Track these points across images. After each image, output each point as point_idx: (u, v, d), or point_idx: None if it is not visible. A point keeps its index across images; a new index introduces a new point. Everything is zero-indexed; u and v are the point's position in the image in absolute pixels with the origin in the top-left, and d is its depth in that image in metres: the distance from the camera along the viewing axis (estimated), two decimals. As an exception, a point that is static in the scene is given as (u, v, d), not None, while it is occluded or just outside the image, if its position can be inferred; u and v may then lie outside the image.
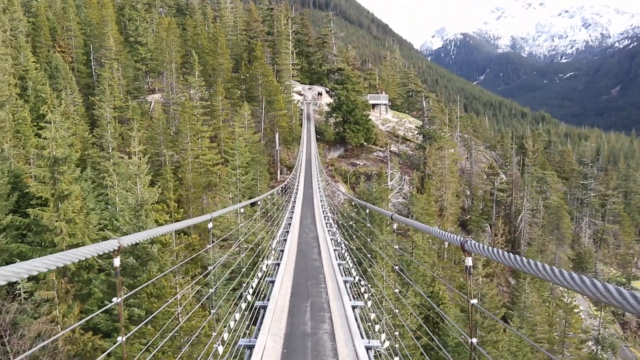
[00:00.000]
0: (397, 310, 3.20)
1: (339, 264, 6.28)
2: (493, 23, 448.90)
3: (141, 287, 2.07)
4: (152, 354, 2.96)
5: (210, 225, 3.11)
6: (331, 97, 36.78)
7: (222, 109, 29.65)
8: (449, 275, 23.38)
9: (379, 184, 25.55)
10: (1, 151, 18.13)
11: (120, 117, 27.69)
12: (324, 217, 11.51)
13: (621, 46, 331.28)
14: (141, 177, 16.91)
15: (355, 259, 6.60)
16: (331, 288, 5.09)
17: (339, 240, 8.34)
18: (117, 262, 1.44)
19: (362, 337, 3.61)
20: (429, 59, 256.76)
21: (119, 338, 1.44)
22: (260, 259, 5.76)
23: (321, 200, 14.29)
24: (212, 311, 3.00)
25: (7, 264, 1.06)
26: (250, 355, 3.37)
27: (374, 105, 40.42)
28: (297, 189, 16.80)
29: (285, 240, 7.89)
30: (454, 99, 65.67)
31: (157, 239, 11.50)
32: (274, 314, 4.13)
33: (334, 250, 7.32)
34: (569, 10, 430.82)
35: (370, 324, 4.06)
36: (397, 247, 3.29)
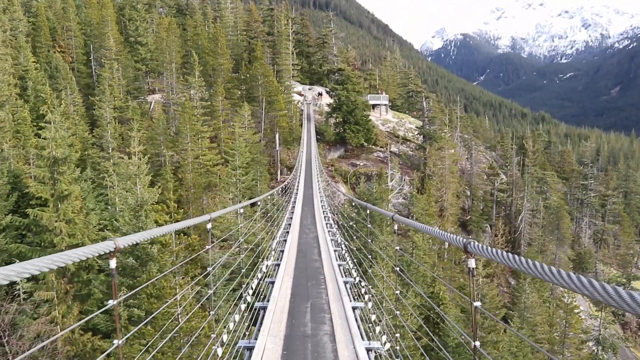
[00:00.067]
0: (398, 312, 3.17)
1: (339, 265, 6.26)
2: (493, 23, 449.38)
3: (138, 288, 2.06)
4: (152, 354, 2.93)
5: (209, 225, 3.09)
6: (331, 98, 36.77)
7: (222, 109, 29.64)
8: (449, 276, 23.35)
9: (379, 185, 25.52)
10: (1, 151, 18.11)
11: (120, 118, 27.69)
12: (324, 217, 11.48)
13: (621, 46, 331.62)
14: (141, 178, 16.89)
15: (355, 260, 6.57)
16: (331, 289, 5.07)
17: (339, 241, 8.32)
18: (113, 263, 1.41)
19: (363, 339, 3.59)
20: (429, 60, 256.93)
21: (115, 341, 1.41)
22: (260, 260, 5.74)
23: (321, 201, 14.26)
24: (211, 312, 2.97)
25: (6, 264, 1.04)
26: (249, 357, 3.34)
27: (374, 106, 40.40)
28: (297, 190, 16.77)
29: (285, 240, 7.86)
30: (454, 99, 65.69)
31: (157, 240, 11.48)
32: (273, 315, 4.11)
33: (334, 250, 7.30)
34: (569, 11, 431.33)
35: (370, 325, 4.04)
36: (398, 247, 3.27)
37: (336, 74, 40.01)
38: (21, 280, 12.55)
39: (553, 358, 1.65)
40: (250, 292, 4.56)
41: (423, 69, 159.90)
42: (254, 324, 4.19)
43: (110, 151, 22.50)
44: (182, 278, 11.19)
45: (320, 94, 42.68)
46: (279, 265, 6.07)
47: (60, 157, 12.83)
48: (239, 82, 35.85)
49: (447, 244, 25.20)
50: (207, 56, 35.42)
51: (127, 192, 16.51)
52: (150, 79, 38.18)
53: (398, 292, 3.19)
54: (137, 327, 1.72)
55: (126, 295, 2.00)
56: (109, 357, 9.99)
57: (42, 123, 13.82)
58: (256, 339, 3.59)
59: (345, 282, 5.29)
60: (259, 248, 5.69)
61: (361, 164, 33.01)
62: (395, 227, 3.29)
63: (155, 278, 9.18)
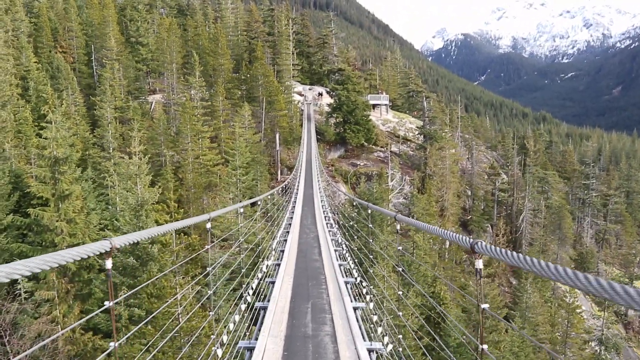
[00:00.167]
0: (400, 313, 3.13)
1: (340, 265, 6.22)
2: (494, 23, 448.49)
3: (137, 288, 2.03)
4: (152, 354, 2.90)
5: (208, 225, 3.06)
6: (332, 98, 36.74)
7: (223, 110, 29.64)
8: (449, 276, 23.27)
9: (380, 185, 25.46)
10: (2, 151, 18.15)
11: (121, 118, 27.72)
12: (325, 217, 11.46)
13: (623, 46, 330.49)
14: (141, 177, 16.89)
15: (356, 260, 6.53)
16: (332, 289, 5.04)
17: (339, 241, 8.29)
18: (109, 264, 1.38)
19: (364, 340, 3.56)
20: (429, 60, 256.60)
21: (111, 344, 1.38)
22: (261, 260, 5.71)
23: (322, 201, 14.23)
24: (210, 313, 2.95)
25: (7, 263, 1.01)
26: (250, 357, 3.31)
27: (374, 106, 40.35)
28: (298, 189, 16.75)
29: (286, 240, 7.83)
30: (454, 99, 65.56)
31: (158, 239, 11.47)
32: (274, 315, 4.08)
33: (335, 250, 7.27)
34: (571, 11, 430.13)
35: (372, 325, 4.00)
36: (400, 247, 3.23)
37: (336, 74, 39.97)
38: (22, 280, 12.56)
39: (560, 358, 1.61)
40: (251, 292, 4.53)
41: (423, 69, 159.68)
42: (255, 324, 4.16)
43: (111, 151, 22.53)
44: (183, 278, 11.18)
45: (320, 94, 42.65)
46: (279, 265, 6.04)
47: (61, 157, 12.85)
48: (239, 82, 35.85)
49: (448, 243, 25.11)
50: (207, 56, 35.44)
51: (127, 191, 16.53)
52: (151, 79, 38.23)
53: (400, 292, 3.15)
54: (135, 329, 1.69)
55: (123, 297, 1.97)
56: (110, 357, 9.98)
57: (43, 123, 13.84)
58: (256, 339, 3.56)
59: (346, 282, 5.25)
60: (259, 248, 5.67)
61: (361, 163, 32.96)
62: (398, 227, 3.25)
63: (156, 277, 9.16)
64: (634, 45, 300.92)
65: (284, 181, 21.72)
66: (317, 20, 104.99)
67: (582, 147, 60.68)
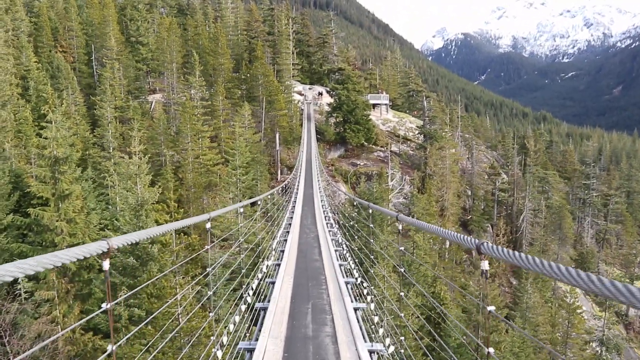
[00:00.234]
0: (402, 314, 3.10)
1: (340, 265, 6.20)
2: (494, 23, 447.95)
3: (137, 289, 2.00)
4: (153, 355, 2.88)
5: (208, 225, 3.03)
6: (332, 97, 36.70)
7: (223, 109, 29.61)
8: (449, 276, 23.25)
9: (380, 184, 25.43)
10: (3, 151, 18.14)
11: (121, 117, 27.69)
12: (325, 217, 11.43)
13: (623, 46, 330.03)
14: (141, 177, 16.88)
15: (356, 260, 6.51)
16: (332, 289, 5.01)
17: (340, 241, 8.26)
18: (106, 265, 1.35)
19: (365, 341, 3.53)
20: (429, 59, 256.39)
21: (109, 346, 1.36)
22: (261, 260, 5.69)
23: (322, 200, 14.21)
24: (210, 314, 2.92)
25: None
26: (250, 359, 3.29)
27: (374, 105, 40.31)
28: (298, 189, 16.72)
29: (286, 240, 7.80)
30: (454, 98, 65.49)
31: (157, 239, 11.45)
32: (274, 316, 4.06)
33: (335, 250, 7.25)
34: (571, 10, 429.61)
35: (373, 326, 3.98)
36: (402, 248, 3.20)
37: (336, 74, 39.93)
38: (22, 280, 12.55)
39: (562, 358, 1.57)
40: (251, 292, 4.51)
41: (424, 69, 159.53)
42: (255, 324, 4.14)
43: (111, 151, 22.51)
44: (183, 278, 11.16)
45: (320, 94, 42.61)
46: (279, 265, 6.01)
47: (61, 157, 12.83)
48: (239, 82, 35.82)
49: (447, 243, 25.07)
50: (207, 56, 35.40)
51: (127, 191, 16.51)
52: (151, 78, 38.20)
53: (402, 293, 3.12)
54: (133, 332, 1.67)
55: (122, 298, 1.94)
56: (109, 358, 9.95)
57: (43, 123, 13.82)
58: (257, 340, 3.54)
59: (347, 283, 5.23)
60: (259, 248, 5.65)
61: (361, 163, 32.93)
62: (400, 227, 3.21)
63: (156, 278, 9.14)
64: (634, 44, 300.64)
65: (284, 181, 21.70)
66: (317, 19, 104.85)
67: (583, 146, 60.65)
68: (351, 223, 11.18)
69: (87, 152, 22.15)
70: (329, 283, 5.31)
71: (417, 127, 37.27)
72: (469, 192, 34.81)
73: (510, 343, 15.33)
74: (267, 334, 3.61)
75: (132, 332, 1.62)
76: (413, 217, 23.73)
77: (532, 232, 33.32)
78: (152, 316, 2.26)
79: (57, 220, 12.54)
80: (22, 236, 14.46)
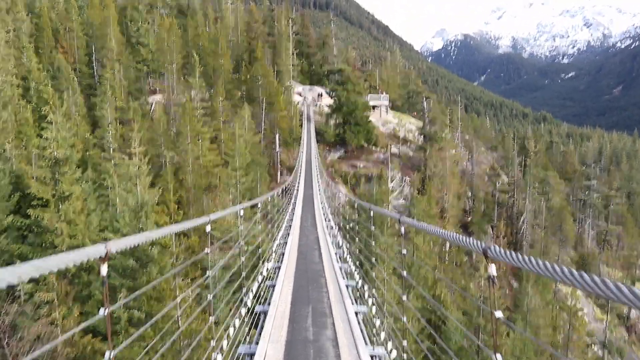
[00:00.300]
0: (404, 318, 3.06)
1: (341, 267, 6.17)
2: (494, 23, 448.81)
3: (134, 295, 1.94)
4: (152, 358, 2.84)
5: (208, 227, 3.01)
6: (331, 98, 36.70)
7: (223, 110, 29.61)
8: (450, 278, 23.16)
9: (380, 186, 25.39)
10: (3, 152, 18.12)
11: (121, 118, 27.68)
12: (325, 219, 11.41)
13: (623, 46, 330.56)
14: (141, 179, 16.86)
15: (357, 262, 6.48)
16: (333, 292, 4.98)
17: (340, 243, 8.24)
18: (104, 269, 1.31)
19: (367, 344, 3.50)
20: (429, 60, 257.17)
21: (107, 353, 1.33)
22: (261, 262, 5.66)
23: (322, 202, 14.19)
24: (210, 318, 2.89)
25: (8, 265, 0.96)
26: (250, 363, 3.26)
27: (374, 107, 40.31)
28: (298, 191, 16.70)
29: (286, 242, 7.79)
30: (454, 99, 65.52)
31: (157, 241, 11.42)
32: (274, 320, 4.03)
33: (335, 253, 7.22)
34: (570, 10, 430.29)
35: (374, 330, 3.94)
36: (404, 251, 3.16)
37: (336, 75, 39.94)
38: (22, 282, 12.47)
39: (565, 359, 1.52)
40: (251, 295, 4.47)
41: (423, 70, 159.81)
42: (255, 328, 4.11)
43: (111, 152, 22.49)
44: (182, 280, 11.13)
45: (320, 95, 42.64)
46: (279, 267, 5.99)
47: (61, 158, 12.82)
48: (239, 83, 35.85)
49: (448, 245, 24.99)
50: (207, 57, 35.44)
51: (127, 193, 16.48)
52: (152, 79, 38.24)
53: (405, 296, 3.08)
54: (132, 338, 1.63)
55: (121, 302, 1.91)
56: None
57: (44, 124, 13.82)
58: (257, 344, 3.51)
59: (347, 285, 5.20)
60: (259, 250, 5.62)
61: (361, 165, 32.89)
62: (402, 229, 3.18)
63: (157, 281, 9.10)
64: (634, 44, 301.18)
65: (284, 182, 21.67)
66: (317, 20, 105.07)
67: (583, 147, 60.68)
68: (351, 225, 11.14)
69: (87, 153, 22.13)
70: (330, 286, 5.28)
71: (417, 128, 37.27)
72: (469, 194, 34.75)
73: (512, 347, 15.26)
74: (267, 338, 3.58)
75: (130, 339, 1.58)
76: (413, 219, 23.58)
77: (532, 233, 33.24)
78: (152, 321, 2.23)
79: (57, 222, 12.52)
80: (22, 237, 14.42)
